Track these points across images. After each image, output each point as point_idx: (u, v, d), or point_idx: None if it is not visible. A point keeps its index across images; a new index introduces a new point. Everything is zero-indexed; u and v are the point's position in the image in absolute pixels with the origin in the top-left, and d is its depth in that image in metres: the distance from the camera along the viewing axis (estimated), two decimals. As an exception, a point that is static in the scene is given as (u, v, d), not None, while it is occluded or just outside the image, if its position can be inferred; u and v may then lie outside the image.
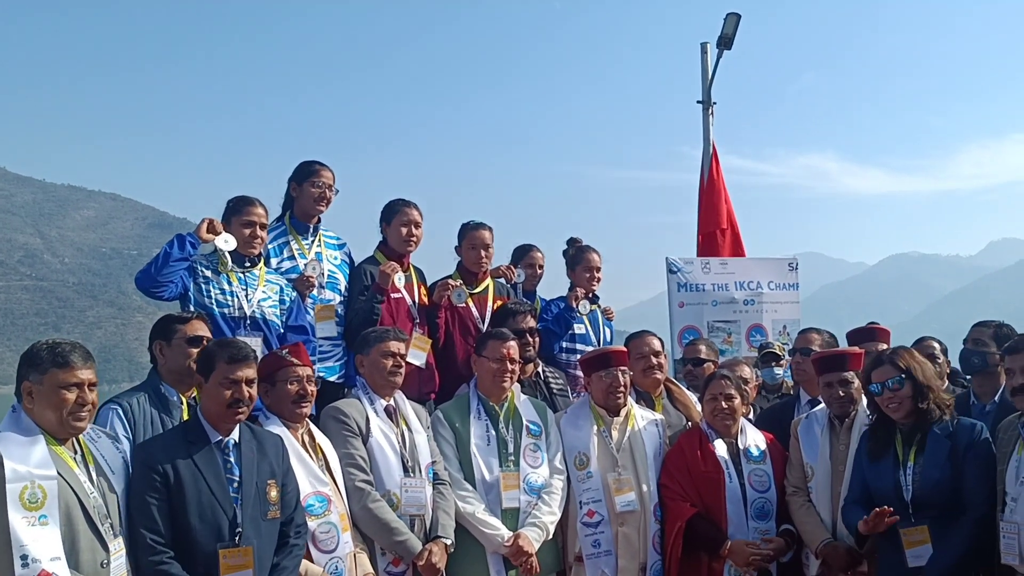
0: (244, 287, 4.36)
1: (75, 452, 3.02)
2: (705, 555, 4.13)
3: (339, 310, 4.86)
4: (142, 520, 3.08)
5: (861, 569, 3.98)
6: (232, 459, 3.31)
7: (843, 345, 4.82)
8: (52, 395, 2.93)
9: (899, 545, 3.68)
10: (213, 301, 4.26)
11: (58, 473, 2.87)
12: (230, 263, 4.35)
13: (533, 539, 4.09)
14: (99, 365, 3.19)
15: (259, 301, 4.38)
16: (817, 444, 4.22)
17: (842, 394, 4.17)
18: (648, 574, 4.20)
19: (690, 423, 4.62)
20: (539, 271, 5.94)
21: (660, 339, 4.90)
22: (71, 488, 2.90)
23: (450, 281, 5.09)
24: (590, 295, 5.72)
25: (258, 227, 4.44)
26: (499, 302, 5.25)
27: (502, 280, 5.54)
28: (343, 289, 4.92)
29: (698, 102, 8.04)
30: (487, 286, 5.33)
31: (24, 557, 2.70)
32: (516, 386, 4.46)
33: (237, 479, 3.28)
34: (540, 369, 5.04)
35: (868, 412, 4.00)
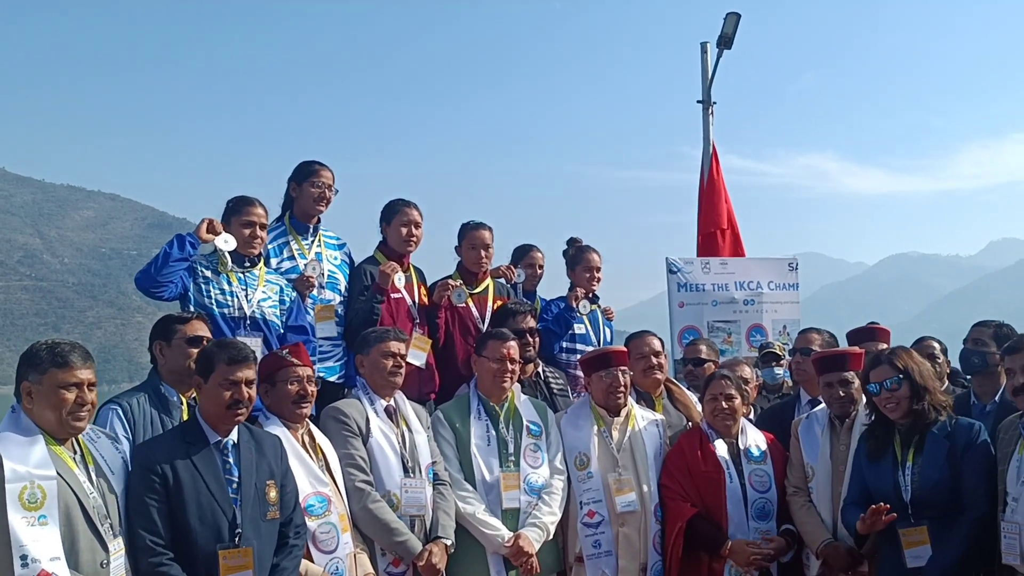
0: (244, 287, 4.36)
1: (75, 452, 3.02)
2: (706, 555, 4.13)
3: (339, 310, 4.86)
4: (141, 522, 3.07)
5: (862, 569, 3.98)
6: (231, 460, 3.30)
7: (843, 345, 4.82)
8: (51, 395, 2.92)
9: (899, 545, 3.68)
10: (213, 301, 4.26)
11: (57, 473, 2.87)
12: (230, 263, 4.34)
13: (533, 539, 4.08)
14: (99, 365, 3.19)
15: (259, 301, 4.37)
16: (817, 444, 4.22)
17: (842, 394, 4.17)
18: (649, 574, 4.20)
19: (690, 423, 4.62)
20: (539, 271, 5.94)
21: (660, 339, 4.90)
22: (70, 488, 2.89)
23: (450, 281, 5.08)
24: (590, 295, 5.71)
25: (258, 227, 4.44)
26: (499, 302, 5.25)
27: (502, 280, 5.53)
28: (343, 289, 4.92)
29: (698, 102, 8.03)
30: (487, 286, 5.33)
31: (24, 557, 2.70)
32: (516, 386, 4.45)
33: (236, 480, 3.28)
34: (540, 369, 5.04)
35: (866, 412, 4.00)
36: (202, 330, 3.75)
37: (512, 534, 4.07)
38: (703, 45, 8.04)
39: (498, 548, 4.06)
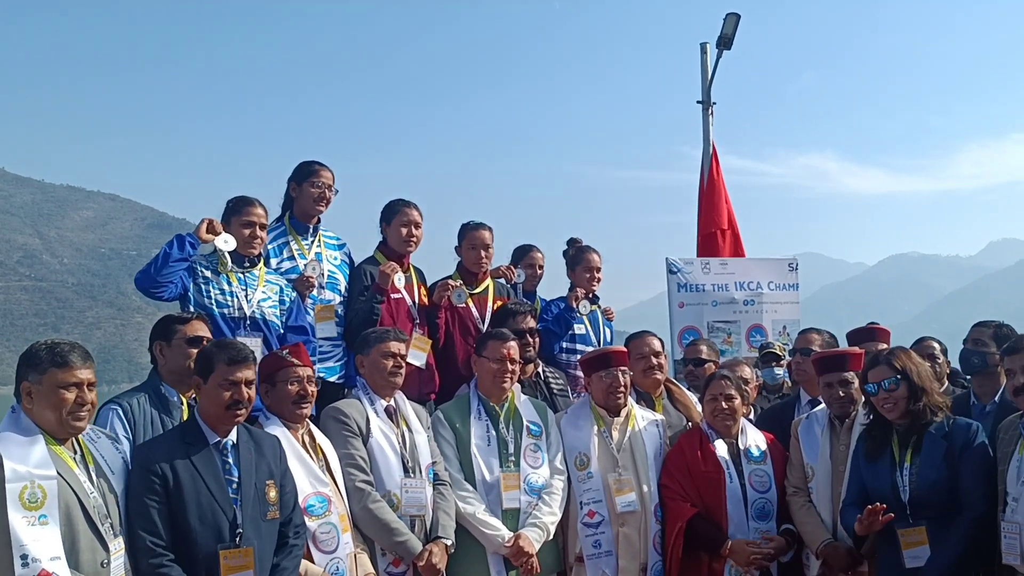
0: (244, 287, 4.36)
1: (75, 452, 3.02)
2: (706, 555, 4.13)
3: (339, 310, 4.86)
4: (141, 523, 3.07)
5: (861, 570, 3.98)
6: (230, 460, 3.30)
7: (843, 345, 4.82)
8: (51, 395, 2.93)
9: (897, 546, 3.68)
10: (213, 301, 4.26)
11: (58, 473, 2.87)
12: (230, 263, 4.34)
13: (534, 539, 4.08)
14: (98, 366, 3.19)
15: (259, 301, 4.37)
16: (817, 444, 4.23)
17: (842, 394, 4.17)
18: (649, 574, 4.20)
19: (690, 423, 4.62)
20: (539, 271, 5.94)
21: (660, 339, 4.90)
22: (71, 488, 2.90)
23: (450, 281, 5.08)
24: (590, 295, 5.72)
25: (258, 227, 4.44)
26: (499, 302, 5.25)
27: (502, 280, 5.54)
28: (343, 289, 4.92)
29: (698, 102, 8.03)
30: (487, 286, 5.33)
31: (24, 557, 2.70)
32: (516, 386, 4.45)
33: (236, 480, 3.28)
34: (540, 369, 5.04)
35: (865, 412, 4.00)
36: (202, 330, 3.75)
37: (512, 534, 4.07)
38: (703, 45, 8.05)
39: (498, 548, 4.06)
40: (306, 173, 4.88)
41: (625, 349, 4.65)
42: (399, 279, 4.86)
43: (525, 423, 4.35)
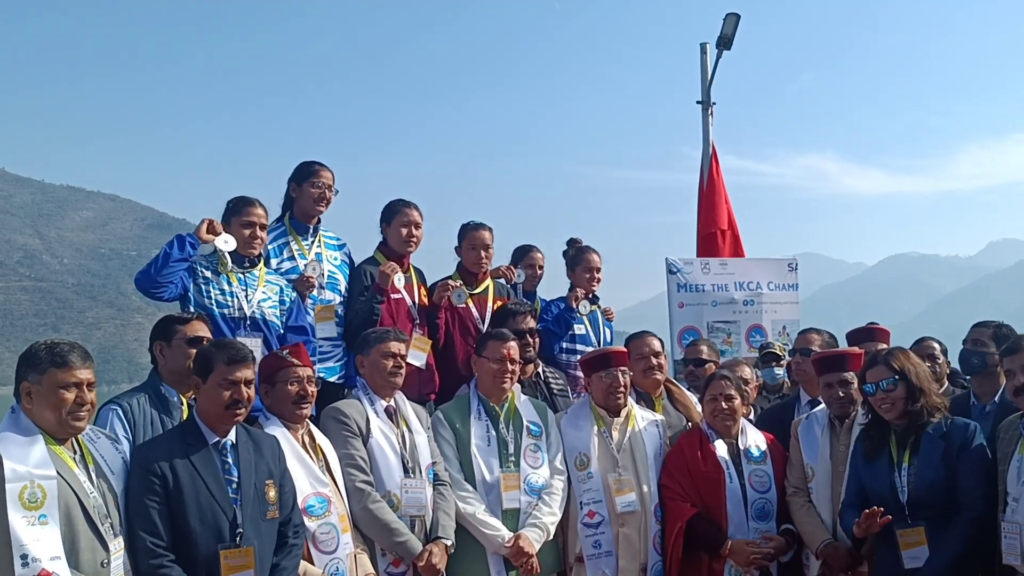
0: (244, 288, 4.36)
1: (74, 452, 3.02)
2: (706, 555, 4.13)
3: (339, 311, 4.86)
4: (141, 523, 3.07)
5: (861, 570, 3.98)
6: (230, 460, 3.30)
7: (843, 345, 4.82)
8: (51, 395, 2.93)
9: (896, 546, 3.68)
10: (213, 302, 4.26)
11: (57, 473, 2.87)
12: (230, 264, 4.34)
13: (534, 540, 4.08)
14: (98, 366, 3.19)
15: (259, 302, 4.38)
16: (817, 444, 4.23)
17: (842, 394, 4.17)
18: (649, 574, 4.20)
19: (690, 423, 4.62)
20: (539, 271, 5.94)
21: (660, 340, 4.90)
22: (71, 488, 2.90)
23: (450, 282, 5.08)
24: (590, 295, 5.72)
25: (258, 227, 4.44)
26: (499, 303, 5.25)
27: (502, 281, 5.54)
28: (343, 290, 4.92)
29: (698, 102, 8.03)
30: (487, 287, 5.33)
31: (24, 556, 2.70)
32: (516, 387, 4.46)
33: (236, 480, 3.28)
34: (540, 369, 5.04)
35: (863, 412, 4.00)
36: (202, 330, 3.75)
37: (512, 534, 4.07)
38: (703, 46, 8.04)
39: (498, 548, 4.06)
40: (306, 173, 4.88)
41: (625, 349, 4.65)
42: (399, 279, 4.86)
43: (525, 423, 4.35)
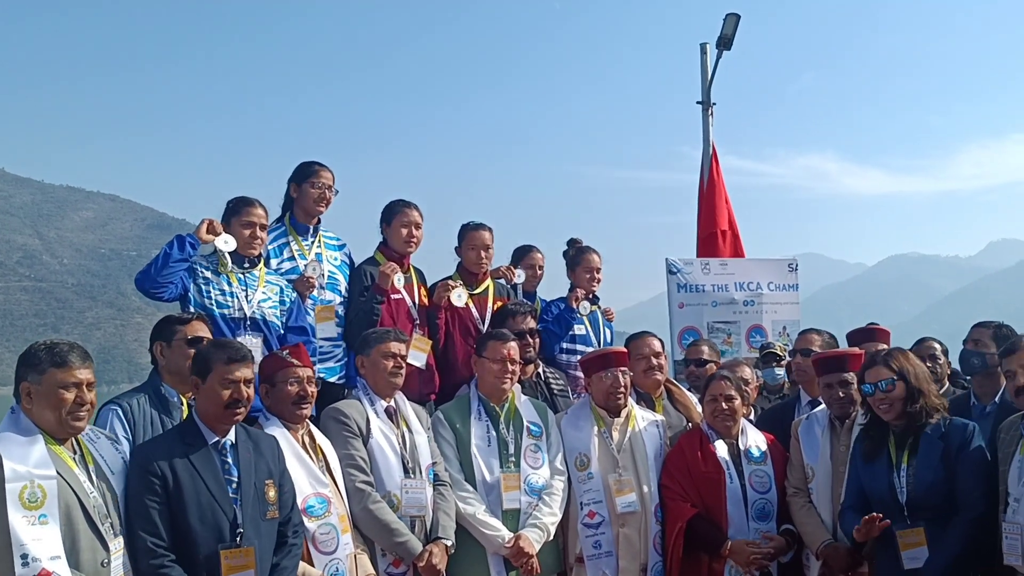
0: (244, 288, 4.36)
1: (74, 452, 3.02)
2: (706, 556, 4.13)
3: (339, 311, 4.86)
4: (141, 523, 3.07)
5: (862, 570, 3.98)
6: (230, 460, 3.30)
7: (843, 346, 4.82)
8: (51, 395, 2.93)
9: (896, 547, 3.68)
10: (213, 302, 4.26)
11: (57, 472, 2.87)
12: (230, 264, 4.34)
13: (534, 540, 4.08)
14: (98, 366, 3.19)
15: (259, 302, 4.37)
16: (818, 445, 4.23)
17: (842, 395, 4.17)
18: (649, 575, 4.20)
19: (690, 424, 4.62)
20: (539, 272, 5.94)
21: (660, 340, 4.90)
22: (71, 488, 2.90)
23: (450, 282, 5.08)
24: (590, 296, 5.72)
25: (258, 228, 4.44)
26: (499, 303, 5.25)
27: (502, 281, 5.53)
28: (343, 290, 4.92)
29: (698, 103, 8.03)
30: (487, 287, 5.33)
31: (24, 556, 2.70)
32: (517, 387, 4.45)
33: (236, 480, 3.27)
34: (541, 370, 5.04)
35: (862, 412, 4.00)
36: (202, 331, 3.75)
37: (512, 535, 4.07)
38: (703, 46, 8.04)
39: (498, 549, 4.06)
40: (306, 174, 4.88)
41: (625, 350, 4.65)
42: (399, 279, 4.86)
43: (525, 423, 4.34)
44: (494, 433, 4.27)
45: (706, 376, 4.76)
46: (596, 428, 4.37)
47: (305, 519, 3.55)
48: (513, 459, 4.23)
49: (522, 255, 5.88)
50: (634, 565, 4.18)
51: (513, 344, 4.39)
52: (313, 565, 3.56)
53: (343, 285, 4.92)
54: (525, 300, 5.54)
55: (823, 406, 4.35)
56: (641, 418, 4.45)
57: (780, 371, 5.66)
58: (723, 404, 4.24)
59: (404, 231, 5.01)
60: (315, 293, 4.73)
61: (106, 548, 2.94)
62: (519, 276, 5.59)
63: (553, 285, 6.06)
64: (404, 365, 4.20)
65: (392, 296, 4.87)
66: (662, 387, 4.78)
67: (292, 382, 3.72)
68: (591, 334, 5.65)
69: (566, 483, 4.29)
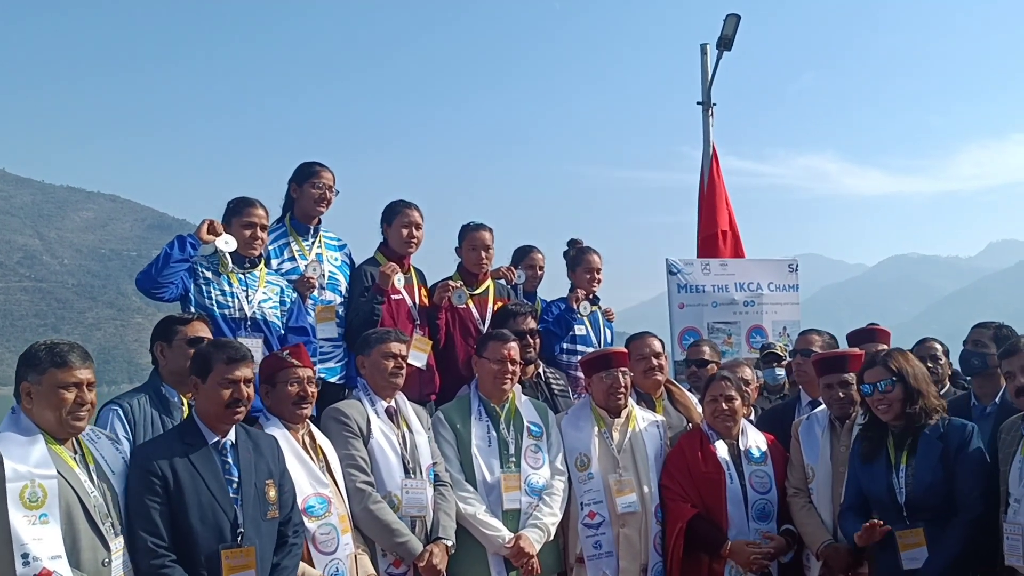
0: (245, 288, 4.36)
1: (75, 452, 3.02)
2: (706, 556, 4.13)
3: (340, 311, 4.86)
4: (142, 523, 3.07)
5: (862, 571, 3.98)
6: (230, 460, 3.30)
7: (843, 346, 4.82)
8: (51, 395, 2.93)
9: (895, 548, 3.68)
10: (214, 302, 4.26)
11: (58, 472, 2.87)
12: (231, 264, 4.34)
13: (534, 540, 4.08)
14: (98, 366, 3.19)
15: (260, 302, 4.38)
16: (818, 445, 4.23)
17: (842, 395, 4.17)
18: (649, 575, 4.20)
19: (691, 424, 4.62)
20: (539, 272, 5.94)
21: (661, 340, 4.90)
22: (71, 487, 2.90)
23: (450, 282, 5.08)
24: (591, 296, 5.72)
25: (258, 228, 4.44)
26: (499, 303, 5.25)
27: (502, 281, 5.54)
28: (344, 290, 4.92)
29: (698, 103, 8.03)
30: (487, 287, 5.33)
31: (25, 556, 2.71)
32: (517, 387, 4.45)
33: (236, 480, 3.27)
34: (541, 370, 5.03)
35: (862, 412, 4.00)
36: (203, 331, 3.75)
37: (513, 535, 4.07)
38: (703, 47, 8.04)
39: (499, 549, 4.06)
40: (307, 174, 4.88)
41: (626, 350, 4.65)
42: (399, 280, 4.86)
43: (526, 424, 4.34)
44: (494, 433, 4.27)
45: (707, 376, 4.76)
46: (596, 428, 4.37)
47: (305, 519, 3.55)
48: (513, 459, 4.23)
49: (522, 256, 5.89)
50: (634, 565, 4.18)
51: (513, 344, 4.39)
52: (313, 565, 3.56)
53: (343, 285, 4.92)
54: (525, 300, 5.54)
55: (823, 406, 4.34)
56: (641, 418, 4.45)
57: (781, 371, 5.67)
58: (723, 404, 4.24)
59: (404, 231, 5.01)
60: (315, 293, 4.73)
61: (107, 547, 2.94)
62: (519, 277, 5.60)
63: (553, 285, 6.07)
64: (404, 365, 4.20)
65: (392, 296, 4.87)
66: (662, 387, 4.78)
67: (292, 382, 3.72)
68: (591, 334, 5.65)
69: (566, 483, 4.29)
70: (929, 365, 4.59)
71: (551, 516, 4.18)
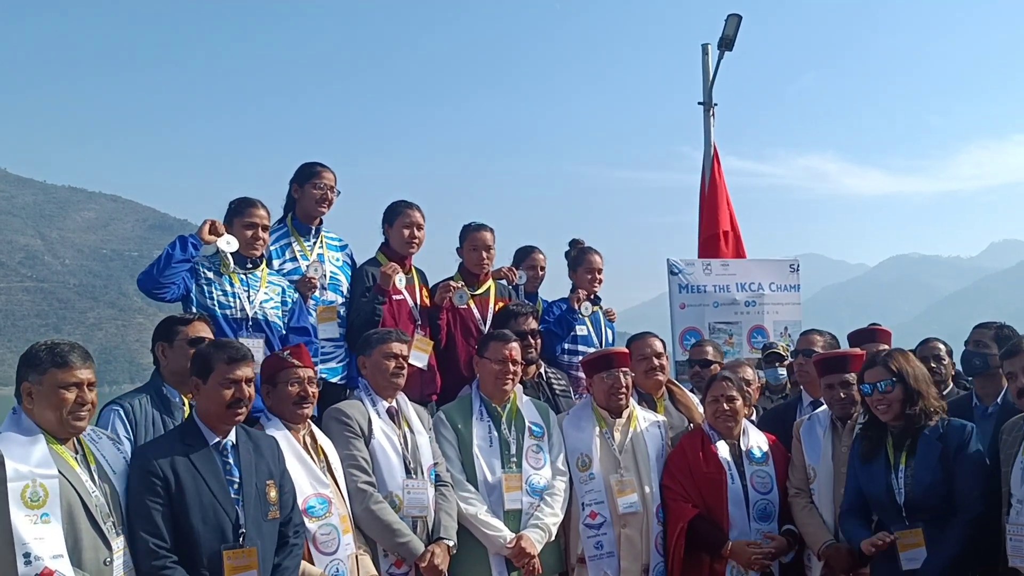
0: (246, 288, 4.36)
1: (76, 452, 3.02)
2: (707, 556, 4.13)
3: (341, 311, 4.86)
4: (143, 524, 3.07)
5: (863, 571, 3.97)
6: (231, 460, 3.30)
7: (844, 346, 4.82)
8: (52, 395, 2.93)
9: (895, 548, 3.68)
10: (215, 303, 4.26)
11: (59, 472, 2.87)
12: (232, 264, 4.35)
13: (535, 540, 4.08)
14: (100, 367, 3.19)
15: (261, 302, 4.38)
16: (819, 445, 4.23)
17: (843, 395, 4.17)
18: (651, 575, 4.20)
19: (692, 424, 4.62)
20: (540, 273, 5.94)
21: (662, 340, 4.90)
22: (72, 487, 2.90)
23: (452, 283, 5.09)
24: (592, 296, 5.72)
25: (260, 228, 4.44)
26: (501, 304, 5.25)
27: (504, 282, 5.54)
28: (345, 290, 4.92)
29: (699, 103, 8.02)
30: (489, 288, 5.33)
31: (27, 555, 2.71)
32: (518, 387, 4.45)
33: (237, 480, 3.27)
34: (542, 370, 5.03)
35: (862, 413, 4.00)
36: (204, 331, 3.75)
37: (514, 535, 4.07)
38: (704, 47, 8.03)
39: (500, 549, 4.06)
40: (308, 175, 4.88)
41: (627, 350, 4.65)
42: (401, 280, 4.86)
43: (527, 424, 4.34)
44: (496, 433, 4.27)
45: (710, 376, 4.76)
46: (598, 429, 4.37)
47: (306, 520, 3.55)
48: (515, 459, 4.23)
49: (523, 256, 5.89)
50: (636, 566, 4.18)
51: (515, 345, 4.38)
52: (314, 565, 3.56)
53: (345, 286, 4.93)
54: (526, 301, 5.54)
55: (825, 407, 4.34)
56: (643, 419, 4.45)
57: (783, 371, 5.67)
58: (725, 405, 4.24)
59: (406, 232, 5.02)
60: (317, 294, 4.73)
61: (108, 547, 2.94)
62: (520, 277, 5.60)
63: (555, 286, 6.07)
64: (406, 366, 4.20)
65: (394, 297, 4.87)
66: (663, 388, 4.78)
67: (293, 382, 3.72)
68: (592, 335, 5.66)
69: (568, 484, 4.29)
70: (932, 365, 4.58)
71: (552, 516, 4.18)
